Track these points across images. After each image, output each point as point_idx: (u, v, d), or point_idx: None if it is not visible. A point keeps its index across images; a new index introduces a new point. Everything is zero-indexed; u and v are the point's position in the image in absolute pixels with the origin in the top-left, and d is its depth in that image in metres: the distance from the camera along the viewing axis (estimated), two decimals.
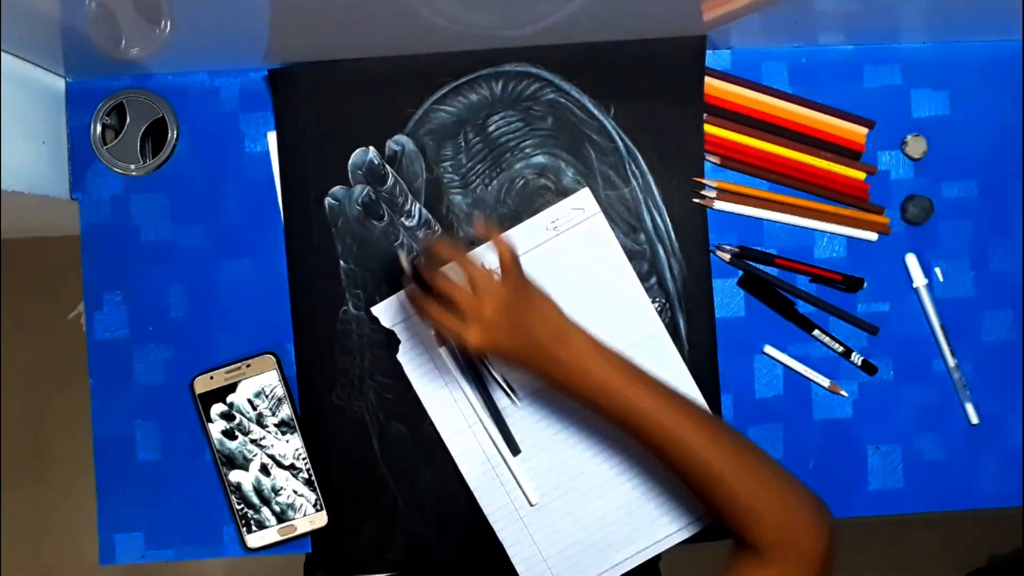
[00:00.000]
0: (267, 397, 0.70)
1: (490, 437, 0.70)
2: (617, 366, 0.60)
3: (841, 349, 0.71)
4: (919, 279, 0.72)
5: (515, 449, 0.70)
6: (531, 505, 0.70)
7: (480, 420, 0.70)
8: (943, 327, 0.72)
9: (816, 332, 0.71)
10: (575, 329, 0.61)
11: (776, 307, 0.72)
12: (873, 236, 0.72)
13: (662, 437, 0.59)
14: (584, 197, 0.71)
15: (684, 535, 0.70)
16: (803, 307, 0.72)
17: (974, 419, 0.72)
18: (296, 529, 0.70)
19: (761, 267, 0.72)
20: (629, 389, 0.59)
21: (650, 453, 0.61)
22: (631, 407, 0.59)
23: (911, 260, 0.72)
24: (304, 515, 0.70)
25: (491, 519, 0.70)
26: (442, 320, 0.60)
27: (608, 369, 0.60)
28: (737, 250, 0.72)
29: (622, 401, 0.59)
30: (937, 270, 0.72)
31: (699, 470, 0.58)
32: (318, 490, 0.70)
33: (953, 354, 0.72)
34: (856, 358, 0.71)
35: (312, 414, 0.71)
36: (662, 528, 0.70)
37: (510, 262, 0.60)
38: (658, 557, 0.73)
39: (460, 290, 0.60)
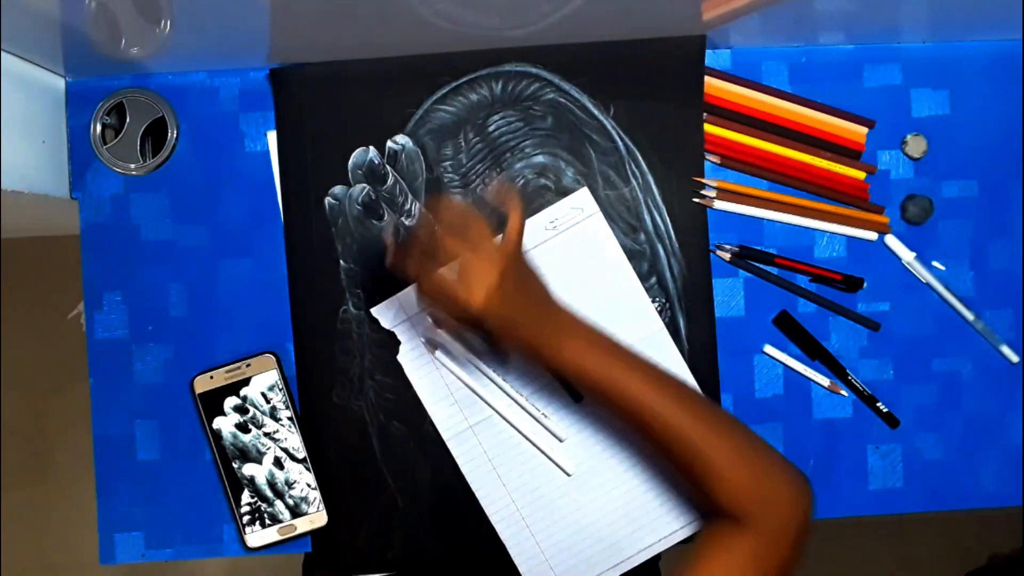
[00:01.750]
0: (280, 391, 0.70)
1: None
2: (598, 343, 0.61)
3: (867, 394, 0.72)
4: (906, 254, 0.72)
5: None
6: (568, 475, 0.70)
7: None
8: (948, 287, 0.72)
9: (849, 377, 0.72)
10: (561, 307, 0.62)
11: (807, 350, 0.72)
12: (873, 236, 0.72)
13: (643, 412, 0.59)
14: (583, 197, 0.71)
15: (685, 534, 0.70)
16: (804, 305, 0.72)
17: (1014, 358, 0.72)
18: (296, 528, 0.70)
19: (761, 266, 0.72)
20: (610, 367, 0.60)
21: (629, 426, 0.62)
22: (612, 383, 0.59)
23: (891, 240, 0.72)
24: (308, 513, 0.70)
25: (493, 519, 0.70)
26: (442, 285, 0.58)
27: (589, 347, 0.60)
28: (737, 249, 0.72)
29: (603, 378, 0.60)
30: (935, 264, 0.72)
31: (679, 442, 0.59)
32: (318, 489, 0.71)
33: (968, 308, 0.72)
34: (880, 407, 0.72)
35: (312, 414, 0.71)
36: (663, 527, 0.70)
37: (519, 231, 0.59)
38: (658, 557, 0.73)
39: (464, 246, 0.57)
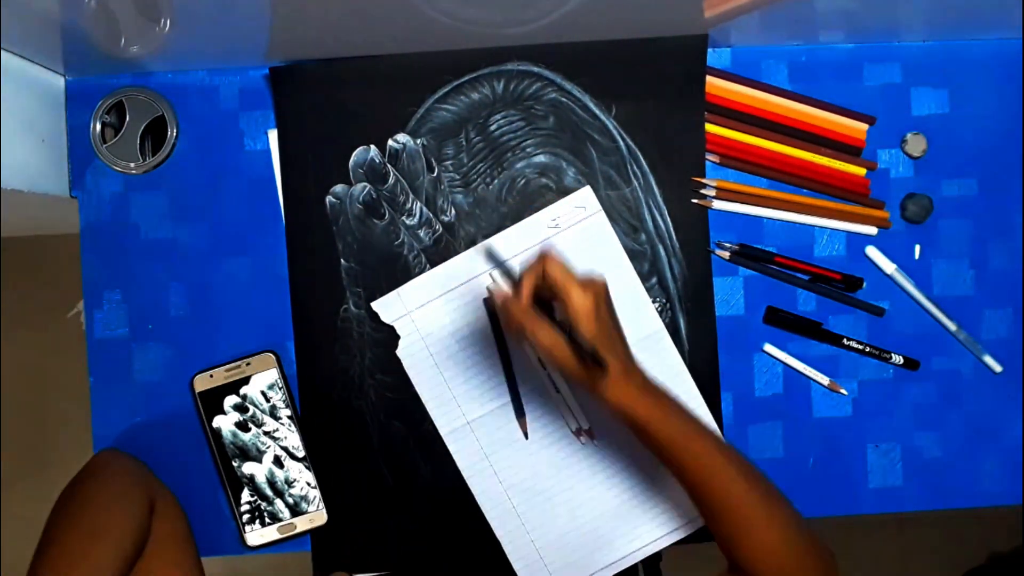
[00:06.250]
0: (280, 389, 0.70)
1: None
2: (654, 396, 0.59)
3: (877, 353, 0.72)
4: (888, 266, 0.72)
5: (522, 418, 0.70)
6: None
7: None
8: (932, 299, 0.72)
9: (852, 342, 0.72)
10: (627, 351, 0.60)
11: (804, 333, 0.72)
12: (872, 230, 0.72)
13: (696, 469, 0.58)
14: (585, 195, 0.71)
15: (680, 535, 0.70)
16: (806, 297, 0.72)
17: (997, 368, 0.72)
18: (295, 527, 0.70)
19: (760, 266, 0.72)
20: (666, 423, 0.58)
21: (677, 476, 0.60)
22: (667, 438, 0.58)
23: (872, 252, 0.72)
24: (307, 512, 0.70)
25: (488, 516, 0.70)
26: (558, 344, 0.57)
27: (646, 399, 0.58)
28: (736, 248, 0.72)
29: (660, 431, 0.58)
30: (916, 247, 0.72)
31: (723, 503, 0.57)
32: (318, 488, 0.71)
33: (951, 318, 0.72)
34: (896, 358, 0.72)
35: (312, 412, 0.71)
36: (658, 528, 0.70)
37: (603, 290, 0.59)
38: (659, 557, 0.73)
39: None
